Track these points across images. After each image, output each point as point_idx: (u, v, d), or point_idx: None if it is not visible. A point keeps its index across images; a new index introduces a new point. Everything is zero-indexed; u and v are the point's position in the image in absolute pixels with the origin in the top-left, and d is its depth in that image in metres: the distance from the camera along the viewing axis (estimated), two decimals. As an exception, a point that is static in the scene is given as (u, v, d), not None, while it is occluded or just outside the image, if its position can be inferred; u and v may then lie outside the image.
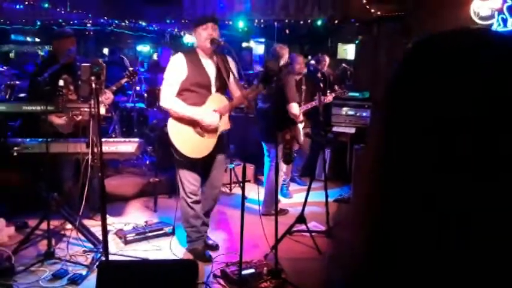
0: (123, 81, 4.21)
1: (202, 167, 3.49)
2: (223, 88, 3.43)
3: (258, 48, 11.58)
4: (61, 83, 3.61)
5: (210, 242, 3.71)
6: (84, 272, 3.15)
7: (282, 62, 4.25)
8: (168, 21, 8.99)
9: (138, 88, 6.23)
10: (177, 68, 3.29)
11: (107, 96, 3.90)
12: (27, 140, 3.48)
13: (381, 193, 0.51)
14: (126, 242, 3.73)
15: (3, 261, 3.22)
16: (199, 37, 3.30)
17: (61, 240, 3.74)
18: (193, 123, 3.28)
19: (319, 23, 7.75)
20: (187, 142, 3.30)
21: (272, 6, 7.75)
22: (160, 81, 6.56)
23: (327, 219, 3.97)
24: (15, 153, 3.37)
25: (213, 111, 3.30)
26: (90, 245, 3.54)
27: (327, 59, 7.18)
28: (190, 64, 3.30)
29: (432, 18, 6.05)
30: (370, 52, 7.29)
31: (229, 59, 3.47)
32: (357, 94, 5.89)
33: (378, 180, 0.52)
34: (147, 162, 5.58)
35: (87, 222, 3.89)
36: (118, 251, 3.58)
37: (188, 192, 3.43)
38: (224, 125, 3.41)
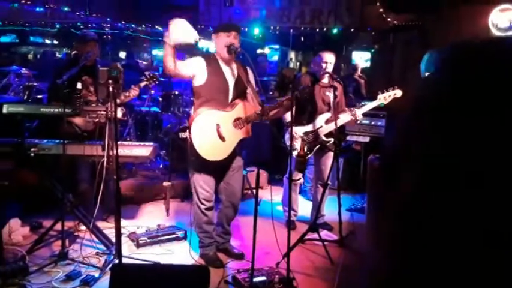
0: (142, 84, 4.26)
1: (219, 173, 3.49)
2: (240, 97, 3.43)
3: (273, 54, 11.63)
4: (79, 85, 3.66)
5: (235, 251, 3.68)
6: (96, 274, 3.17)
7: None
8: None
9: (153, 92, 6.29)
10: (195, 61, 3.32)
11: (134, 94, 4.12)
12: (44, 141, 3.52)
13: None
14: (139, 245, 3.75)
15: (17, 261, 3.26)
16: (219, 42, 3.31)
17: (74, 241, 3.77)
18: (216, 125, 3.27)
19: (334, 31, 7.74)
20: (207, 143, 3.28)
21: (288, 14, 7.78)
22: (174, 86, 6.63)
23: (339, 228, 3.94)
24: (32, 154, 3.41)
25: (236, 119, 3.31)
26: (103, 247, 3.56)
27: (359, 67, 7.24)
28: (209, 68, 3.31)
29: (450, 28, 6.02)
30: (386, 60, 7.28)
31: (249, 70, 3.48)
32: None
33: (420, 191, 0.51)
34: (161, 166, 5.62)
35: (100, 224, 3.92)
36: (130, 254, 3.59)
37: (202, 198, 3.43)
38: (245, 133, 3.41)
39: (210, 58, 3.39)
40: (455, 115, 0.48)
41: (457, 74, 0.50)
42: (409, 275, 0.52)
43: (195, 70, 3.31)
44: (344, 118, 4.03)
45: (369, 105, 4.06)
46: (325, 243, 3.76)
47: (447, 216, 0.49)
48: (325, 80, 4.16)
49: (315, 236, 3.84)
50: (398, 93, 3.95)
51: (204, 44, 10.60)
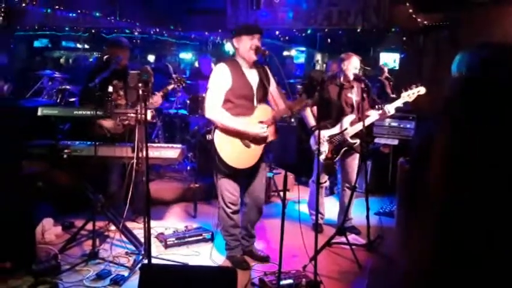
0: (170, 87, 4.33)
1: (244, 177, 3.48)
2: (264, 98, 3.43)
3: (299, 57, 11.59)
4: (110, 89, 3.75)
5: (260, 253, 3.68)
6: (126, 274, 3.23)
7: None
8: (211, 29, 9.17)
9: (179, 95, 6.37)
10: (221, 78, 3.28)
11: (156, 100, 4.09)
12: (77, 143, 3.62)
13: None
14: (167, 246, 3.80)
15: (50, 260, 3.35)
16: (243, 46, 3.29)
17: (105, 241, 3.85)
18: (240, 134, 3.27)
19: (362, 32, 7.66)
20: (234, 153, 3.28)
21: (315, 15, 7.75)
22: (201, 89, 6.69)
23: (367, 232, 3.88)
24: (65, 156, 3.50)
25: (259, 122, 3.30)
26: (132, 247, 3.63)
27: (385, 69, 7.12)
28: (234, 75, 3.28)
29: (481, 29, 5.86)
30: (415, 62, 7.15)
31: (266, 69, 3.46)
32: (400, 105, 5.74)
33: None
34: (188, 168, 5.68)
35: (129, 224, 3.98)
36: (158, 254, 3.64)
37: (228, 202, 3.43)
38: (271, 135, 3.41)
39: (232, 63, 3.34)
40: (492, 113, 0.47)
41: (497, 75, 0.49)
42: (445, 275, 0.51)
43: (226, 88, 3.28)
44: (371, 118, 3.99)
45: (395, 103, 4.00)
46: (353, 247, 3.71)
47: (487, 216, 0.48)
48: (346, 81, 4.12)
49: (343, 239, 3.80)
50: (422, 90, 3.92)
51: (230, 47, 10.67)
